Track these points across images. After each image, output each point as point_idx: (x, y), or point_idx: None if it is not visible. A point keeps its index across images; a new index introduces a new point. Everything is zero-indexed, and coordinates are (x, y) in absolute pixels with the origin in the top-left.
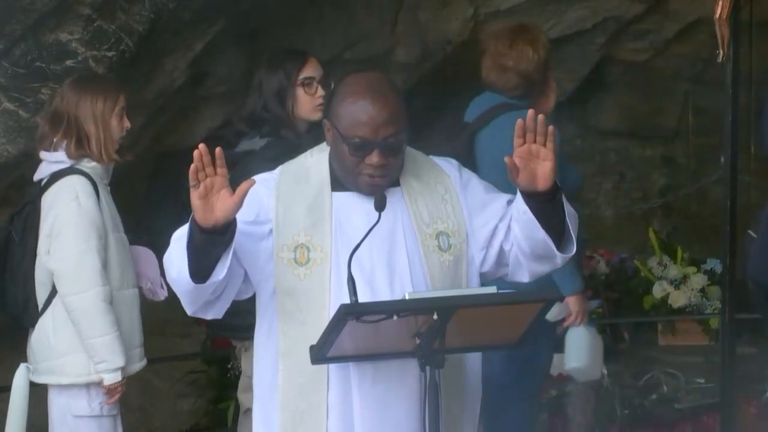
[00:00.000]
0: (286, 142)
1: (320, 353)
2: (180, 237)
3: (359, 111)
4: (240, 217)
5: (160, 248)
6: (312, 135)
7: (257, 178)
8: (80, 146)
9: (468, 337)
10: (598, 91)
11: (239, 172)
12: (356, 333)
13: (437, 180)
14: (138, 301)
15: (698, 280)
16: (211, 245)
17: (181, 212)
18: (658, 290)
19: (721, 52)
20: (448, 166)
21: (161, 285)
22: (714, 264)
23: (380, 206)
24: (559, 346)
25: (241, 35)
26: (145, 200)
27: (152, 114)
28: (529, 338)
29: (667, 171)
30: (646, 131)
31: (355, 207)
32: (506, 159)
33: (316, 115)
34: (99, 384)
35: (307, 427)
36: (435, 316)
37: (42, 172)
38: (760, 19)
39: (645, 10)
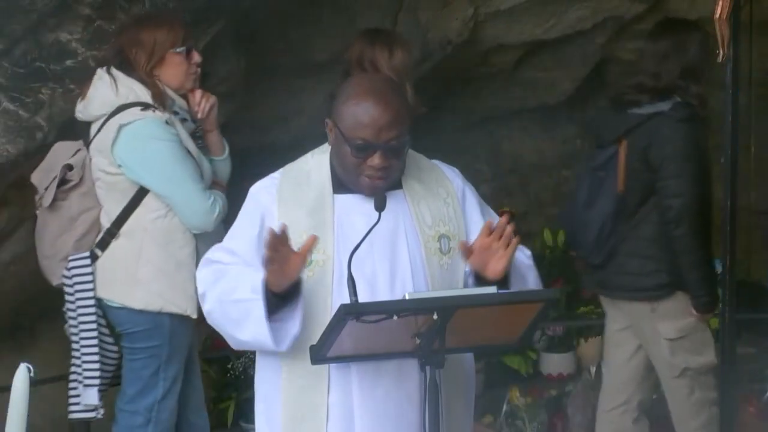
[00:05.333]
0: (690, 107)
1: (320, 353)
2: (238, 300)
3: (362, 113)
4: (247, 232)
5: None
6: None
7: (258, 186)
8: None
9: (468, 337)
10: (598, 91)
11: None
12: (356, 333)
13: (439, 183)
14: None
15: None
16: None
17: None
18: None
19: (721, 52)
20: (450, 172)
21: None
22: (714, 264)
23: (380, 206)
24: None
25: (241, 35)
26: None
27: None
28: (527, 338)
29: None
30: None
31: (356, 209)
32: (459, 244)
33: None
34: None
35: (307, 427)
36: (435, 316)
37: None
38: (760, 19)
39: (645, 10)
